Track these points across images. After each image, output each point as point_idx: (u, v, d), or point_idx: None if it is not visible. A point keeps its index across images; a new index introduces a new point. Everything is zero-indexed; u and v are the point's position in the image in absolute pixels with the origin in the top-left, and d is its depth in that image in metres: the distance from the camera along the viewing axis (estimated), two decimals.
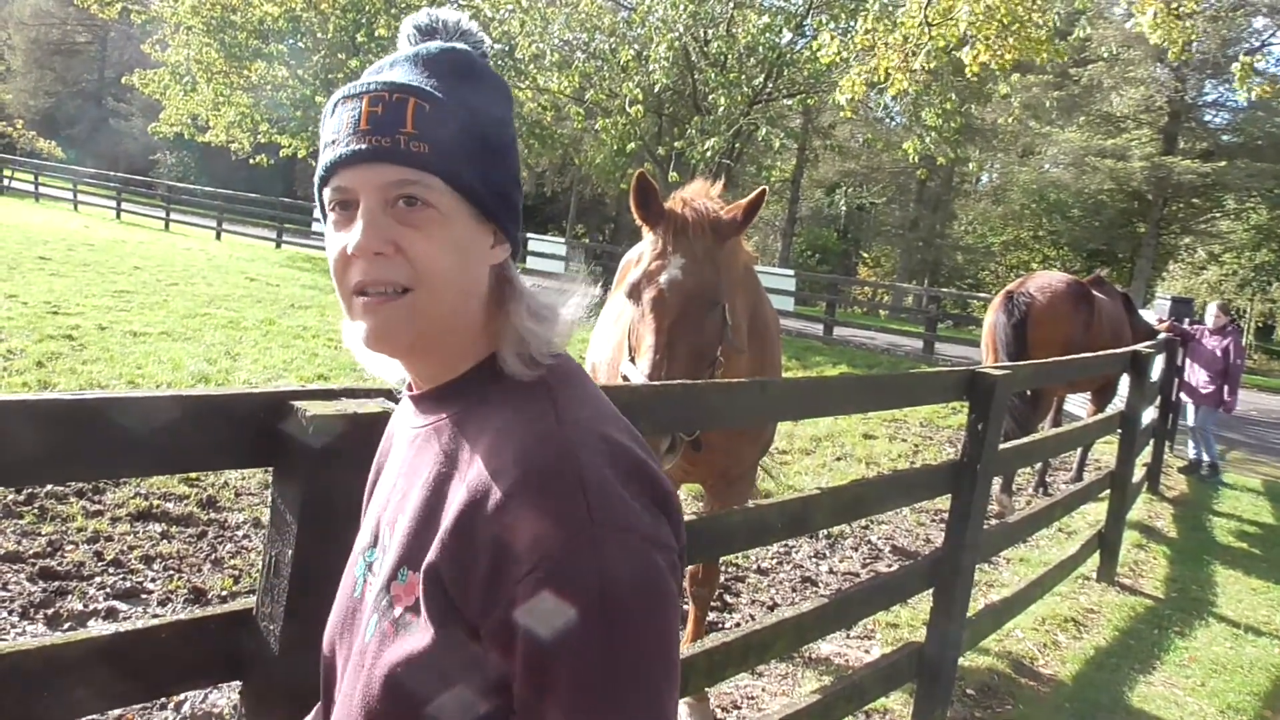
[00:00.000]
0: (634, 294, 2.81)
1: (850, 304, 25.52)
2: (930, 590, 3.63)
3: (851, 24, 15.90)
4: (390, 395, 1.59)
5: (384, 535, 1.00)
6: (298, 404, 1.45)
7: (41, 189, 31.67)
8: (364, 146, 0.92)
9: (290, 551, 1.43)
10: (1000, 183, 39.34)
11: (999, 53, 9.89)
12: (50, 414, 1.26)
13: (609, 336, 3.52)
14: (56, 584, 4.10)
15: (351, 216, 0.94)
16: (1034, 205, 36.42)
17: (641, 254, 2.94)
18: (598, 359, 3.62)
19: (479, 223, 0.97)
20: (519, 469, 0.87)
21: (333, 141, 0.94)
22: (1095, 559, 5.94)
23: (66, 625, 3.78)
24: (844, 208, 42.19)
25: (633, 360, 2.79)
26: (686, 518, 2.21)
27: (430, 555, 0.89)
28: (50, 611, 3.86)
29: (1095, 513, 6.86)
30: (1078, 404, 10.45)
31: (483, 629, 0.85)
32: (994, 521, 5.21)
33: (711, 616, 4.61)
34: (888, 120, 25.93)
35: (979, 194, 41.77)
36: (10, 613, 3.82)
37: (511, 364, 0.98)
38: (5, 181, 32.96)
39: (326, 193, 0.96)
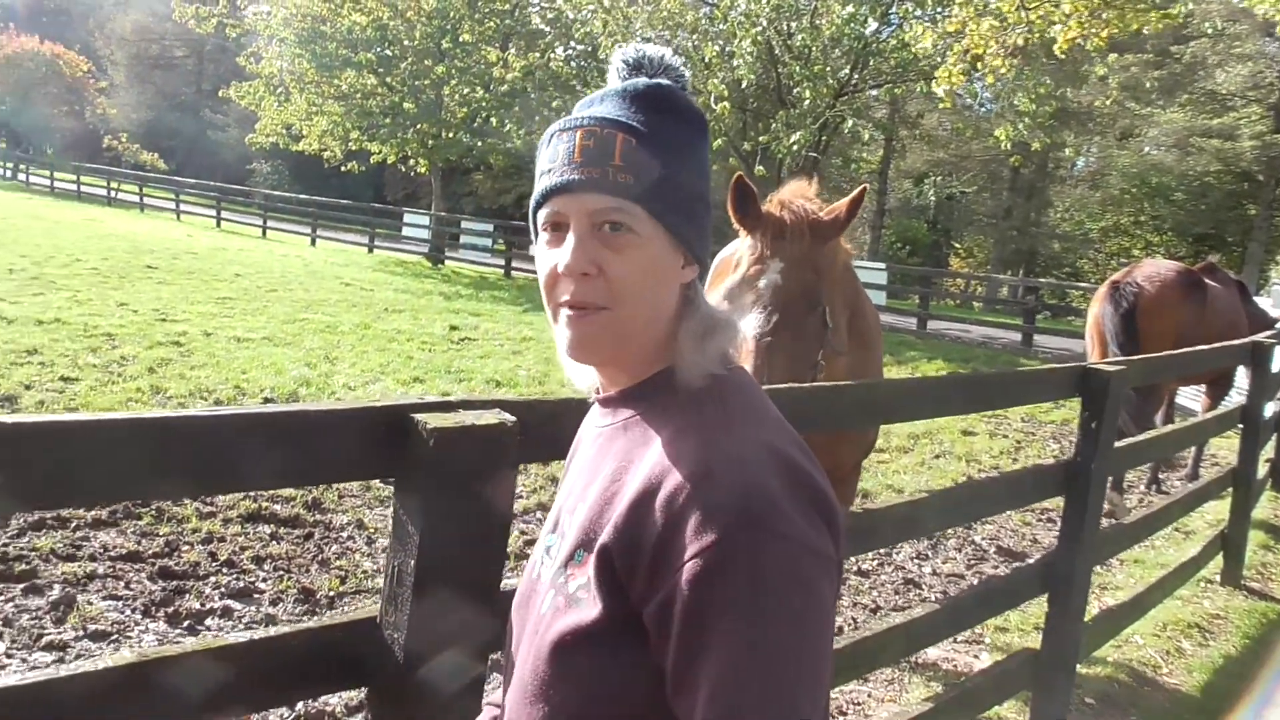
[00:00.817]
0: (732, 299, 2.77)
1: (942, 296, 24.94)
2: (1043, 595, 3.51)
3: (939, 11, 15.53)
4: (504, 406, 1.58)
5: (564, 522, 1.11)
6: (418, 417, 1.45)
7: (146, 200, 33.05)
8: (577, 177, 1.04)
9: (413, 562, 1.43)
10: (1098, 167, 38.06)
11: (1091, 29, 9.50)
12: (190, 430, 1.30)
13: None
14: (174, 583, 4.26)
15: (562, 237, 1.05)
16: (1135, 189, 35.11)
17: (739, 257, 2.90)
18: None
19: (672, 246, 1.07)
20: (689, 468, 0.96)
21: (549, 170, 1.06)
22: (1218, 561, 5.66)
23: (185, 623, 3.92)
24: (933, 198, 41.30)
25: None
26: None
27: (603, 537, 0.99)
28: (170, 610, 4.00)
29: (1215, 512, 6.54)
30: (1189, 397, 10.01)
31: (644, 610, 0.94)
32: (1106, 522, 5.02)
33: None
34: (977, 107, 25.25)
35: (1075, 179, 40.43)
36: (133, 610, 3.97)
37: (685, 375, 1.07)
38: (112, 193, 34.43)
39: (541, 214, 1.09)
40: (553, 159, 1.06)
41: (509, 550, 5.54)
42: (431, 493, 1.42)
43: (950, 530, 6.11)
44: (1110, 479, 6.80)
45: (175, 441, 1.28)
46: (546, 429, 1.70)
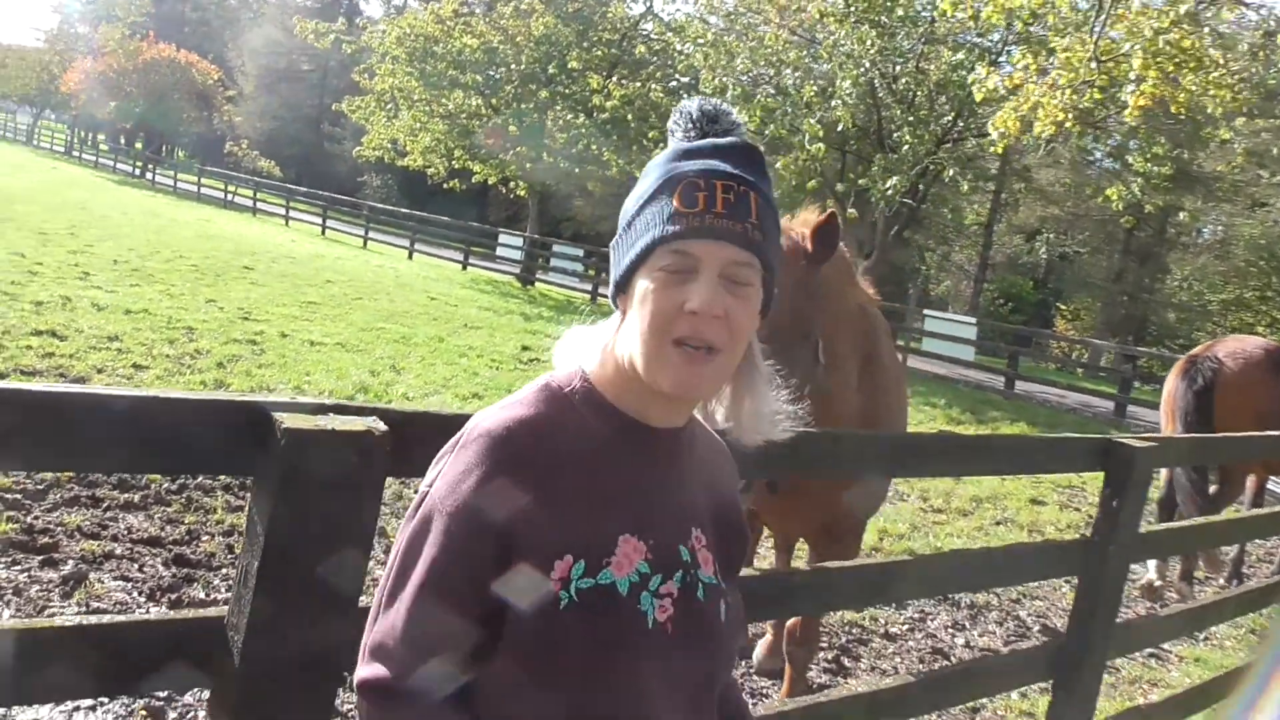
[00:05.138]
0: None
1: (1044, 359, 24.02)
2: (1050, 680, 3.27)
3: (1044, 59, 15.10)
4: (384, 415, 1.53)
5: None
6: (278, 415, 1.41)
7: (259, 204, 34.35)
8: (722, 225, 1.12)
9: (256, 563, 1.39)
10: (1223, 236, 36.32)
11: (1166, 93, 9.14)
12: (35, 403, 1.28)
13: None
14: (186, 571, 4.32)
15: (684, 279, 1.13)
16: (1262, 262, 33.36)
17: None
18: None
19: (761, 300, 1.18)
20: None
21: (683, 214, 1.14)
22: None
23: (186, 611, 3.95)
24: (1044, 256, 40.01)
25: None
26: (746, 573, 2.05)
27: None
28: (174, 596, 4.05)
29: None
30: None
31: None
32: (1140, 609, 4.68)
33: (824, 680, 4.34)
34: (1093, 164, 24.43)
35: (1198, 247, 38.61)
36: (140, 594, 4.04)
37: (743, 436, 1.31)
38: (230, 196, 35.88)
39: (665, 252, 1.14)
40: (688, 204, 1.13)
41: None
42: (280, 494, 1.37)
43: (995, 601, 5.83)
44: (1181, 567, 6.42)
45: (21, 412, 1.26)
46: (429, 444, 1.63)
